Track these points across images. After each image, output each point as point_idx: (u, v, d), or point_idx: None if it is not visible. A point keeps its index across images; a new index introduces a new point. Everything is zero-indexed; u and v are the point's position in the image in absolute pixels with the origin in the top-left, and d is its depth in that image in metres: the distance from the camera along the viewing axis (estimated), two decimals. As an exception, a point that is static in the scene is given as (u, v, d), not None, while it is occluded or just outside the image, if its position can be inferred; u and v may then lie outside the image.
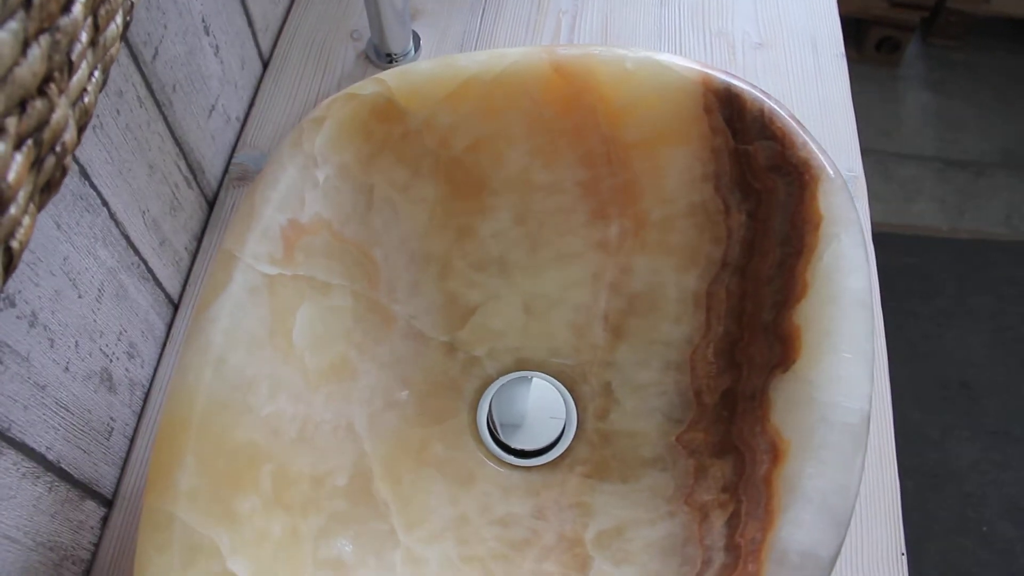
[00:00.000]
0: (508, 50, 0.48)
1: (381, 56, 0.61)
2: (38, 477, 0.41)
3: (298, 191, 0.44)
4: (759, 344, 0.42)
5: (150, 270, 0.50)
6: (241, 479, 0.38)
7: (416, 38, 0.62)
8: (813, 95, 0.62)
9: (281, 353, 0.42)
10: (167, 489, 0.36)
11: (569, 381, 0.48)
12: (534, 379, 0.48)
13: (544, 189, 0.49)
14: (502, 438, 0.46)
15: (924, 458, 1.23)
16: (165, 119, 0.51)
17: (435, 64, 0.47)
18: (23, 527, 0.40)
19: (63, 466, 0.43)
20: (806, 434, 0.37)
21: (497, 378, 0.48)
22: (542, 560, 0.42)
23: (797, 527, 0.34)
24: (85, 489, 0.45)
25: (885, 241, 1.39)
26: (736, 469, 0.40)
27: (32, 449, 0.40)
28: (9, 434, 0.39)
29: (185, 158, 0.54)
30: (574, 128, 0.48)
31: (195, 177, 0.56)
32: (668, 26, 0.66)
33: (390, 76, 0.47)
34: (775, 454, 0.38)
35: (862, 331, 0.39)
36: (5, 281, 0.30)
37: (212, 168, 0.59)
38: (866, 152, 1.47)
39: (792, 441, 0.37)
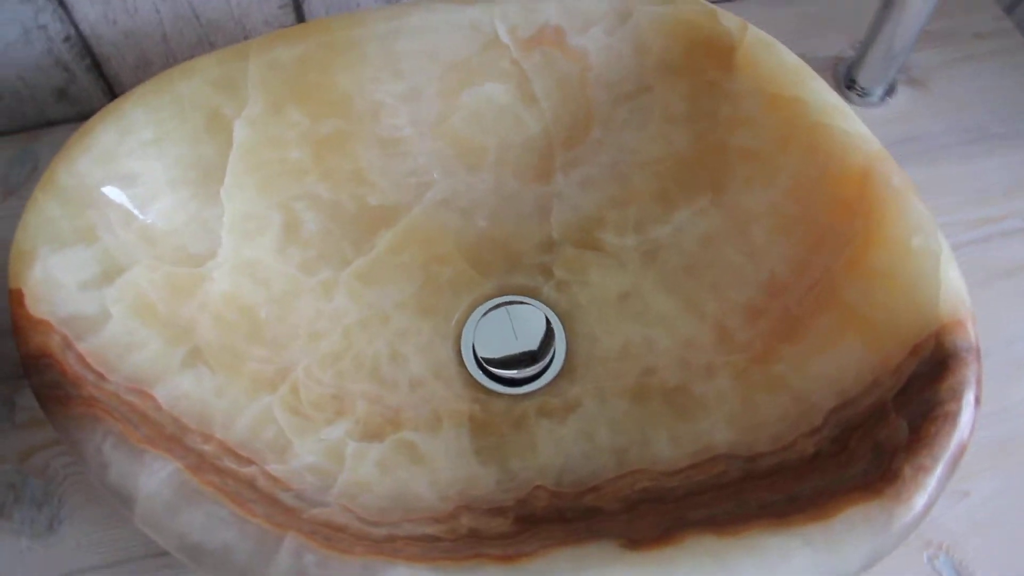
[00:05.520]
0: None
1: (845, 73, 0.55)
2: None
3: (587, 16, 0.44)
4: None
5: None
6: (314, 100, 0.42)
7: (893, 88, 0.55)
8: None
9: (443, 93, 0.44)
10: (265, 47, 0.41)
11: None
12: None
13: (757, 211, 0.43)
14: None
15: None
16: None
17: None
18: None
19: None
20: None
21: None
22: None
23: None
24: None
25: None
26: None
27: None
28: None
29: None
30: (816, 219, 0.41)
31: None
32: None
33: (758, 38, 0.43)
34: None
35: None
36: None
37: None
38: None
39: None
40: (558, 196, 0.47)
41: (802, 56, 0.55)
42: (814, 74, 0.42)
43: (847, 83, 0.54)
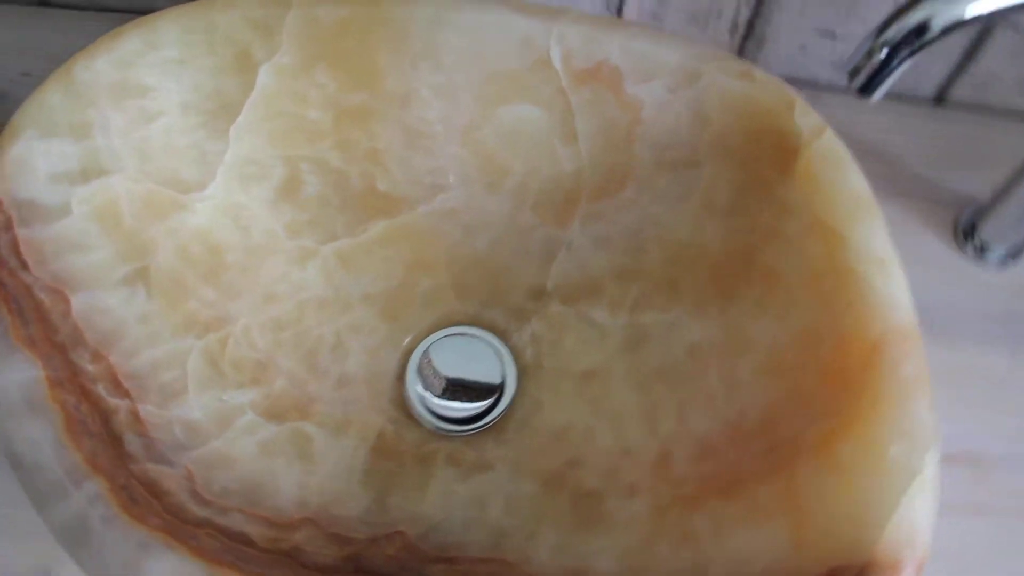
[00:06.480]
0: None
1: (968, 219, 0.46)
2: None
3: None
4: None
5: None
6: (346, 66, 0.41)
7: (1019, 253, 0.45)
8: None
9: (480, 100, 0.41)
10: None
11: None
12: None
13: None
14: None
15: None
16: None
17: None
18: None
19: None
20: None
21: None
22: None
23: None
24: None
25: None
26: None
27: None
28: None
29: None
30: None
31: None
32: None
33: (829, 149, 0.36)
34: None
35: None
36: None
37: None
38: None
39: None
40: (568, 245, 0.43)
41: (928, 185, 0.48)
42: (876, 211, 0.35)
43: (966, 231, 0.45)
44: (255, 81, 0.41)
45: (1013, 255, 0.45)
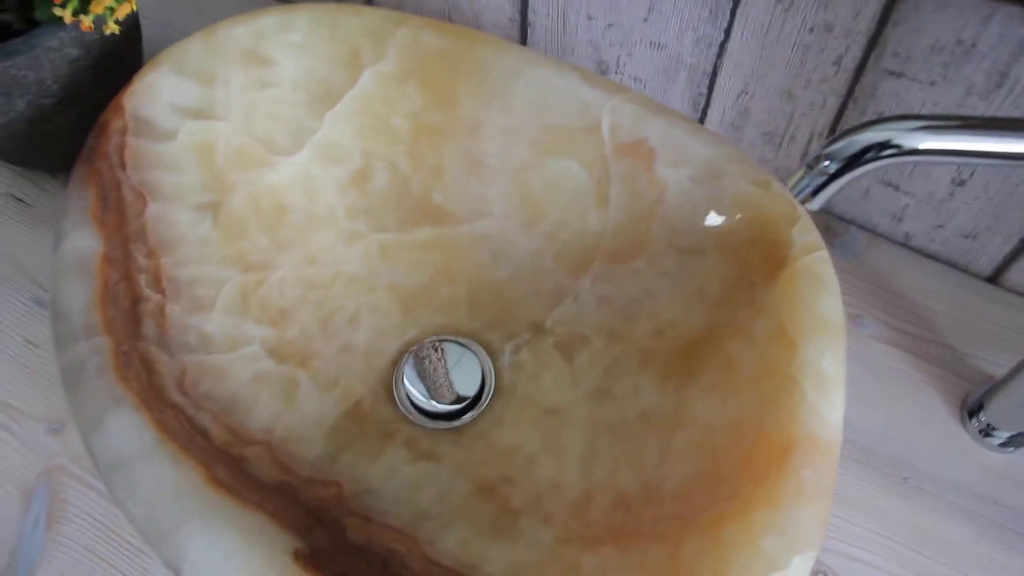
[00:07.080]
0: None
1: (977, 397, 0.46)
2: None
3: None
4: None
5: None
6: (433, 88, 0.47)
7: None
8: None
9: (535, 147, 0.46)
10: (418, 26, 0.47)
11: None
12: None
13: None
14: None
15: None
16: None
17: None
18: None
19: None
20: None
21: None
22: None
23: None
24: None
25: None
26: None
27: None
28: None
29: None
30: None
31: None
32: None
33: (814, 267, 0.39)
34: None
35: None
36: None
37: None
38: None
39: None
40: (574, 296, 0.46)
41: (954, 355, 0.49)
42: (839, 335, 0.37)
43: (972, 409, 0.46)
44: (358, 80, 0.48)
45: (1016, 445, 0.45)
